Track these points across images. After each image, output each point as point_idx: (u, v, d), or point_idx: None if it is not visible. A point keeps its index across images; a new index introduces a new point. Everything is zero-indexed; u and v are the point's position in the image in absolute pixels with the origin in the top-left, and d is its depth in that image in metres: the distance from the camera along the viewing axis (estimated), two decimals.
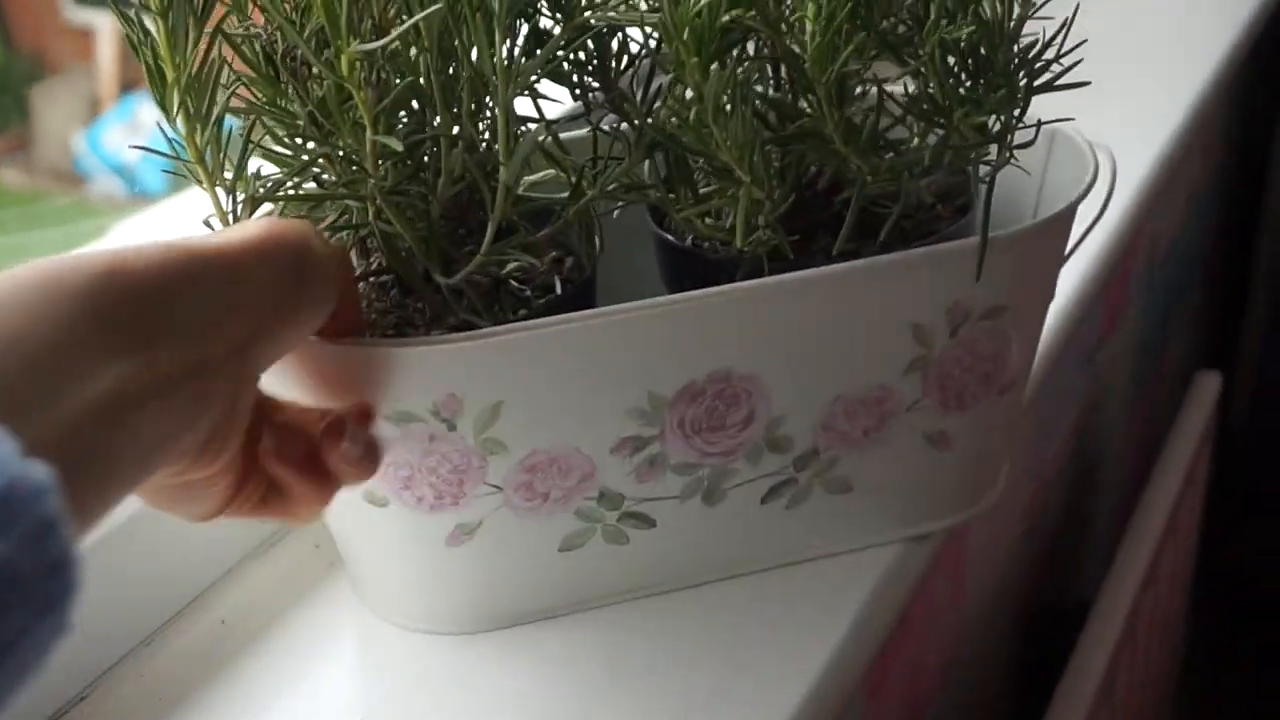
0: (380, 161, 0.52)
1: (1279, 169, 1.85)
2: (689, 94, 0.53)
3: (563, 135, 0.61)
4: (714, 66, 0.51)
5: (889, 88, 0.60)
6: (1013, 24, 0.54)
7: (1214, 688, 1.88)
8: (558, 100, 0.60)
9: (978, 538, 1.02)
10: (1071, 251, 0.67)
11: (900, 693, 0.91)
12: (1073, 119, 0.65)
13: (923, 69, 0.54)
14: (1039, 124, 0.57)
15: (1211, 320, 1.93)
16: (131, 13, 0.51)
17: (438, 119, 0.53)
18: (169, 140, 0.53)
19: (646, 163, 0.61)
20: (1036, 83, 0.55)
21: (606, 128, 0.61)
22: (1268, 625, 1.98)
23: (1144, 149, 1.09)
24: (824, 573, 0.67)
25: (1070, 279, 0.91)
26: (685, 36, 0.51)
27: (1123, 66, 1.27)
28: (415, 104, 0.53)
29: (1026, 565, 1.21)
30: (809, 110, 0.56)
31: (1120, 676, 1.10)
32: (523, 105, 0.58)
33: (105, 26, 3.66)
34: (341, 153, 0.52)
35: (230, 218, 0.54)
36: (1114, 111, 1.16)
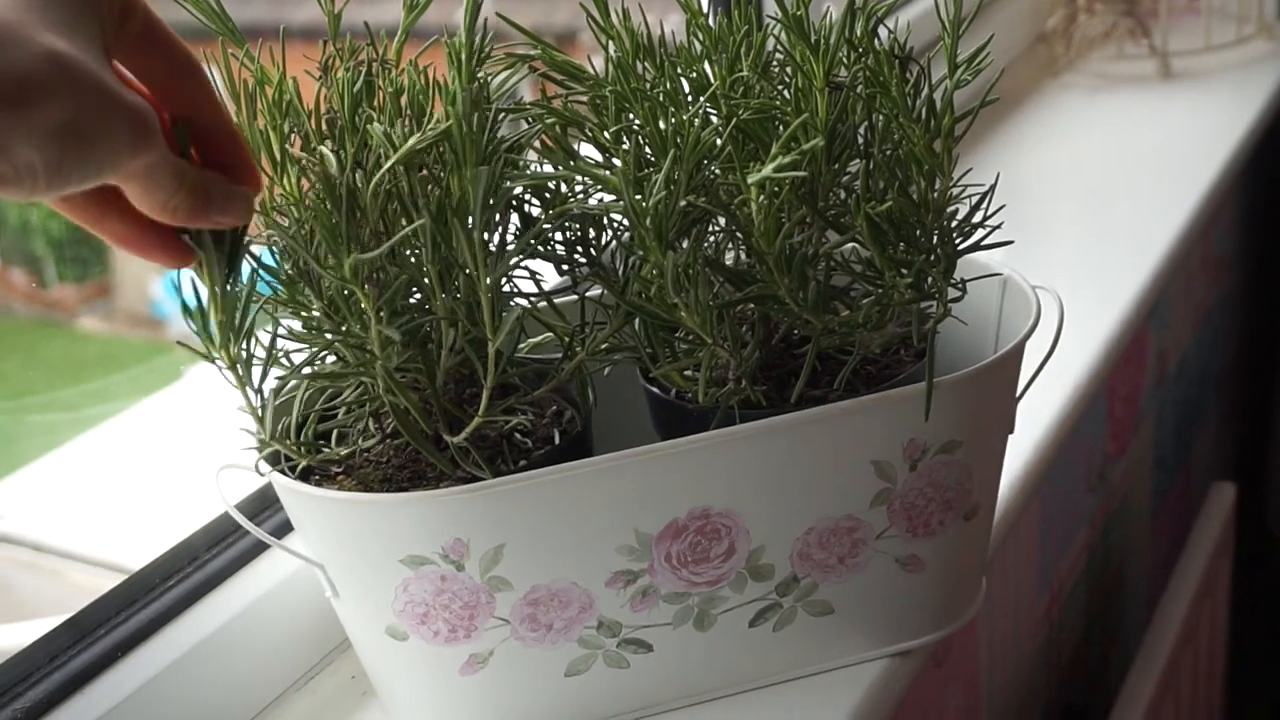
0: (384, 345, 0.60)
1: None
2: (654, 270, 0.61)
3: (558, 301, 0.69)
4: (676, 247, 0.59)
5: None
6: (935, 196, 0.61)
7: None
8: (542, 275, 0.67)
9: (989, 650, 1.07)
10: (1027, 387, 0.74)
11: None
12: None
13: (858, 236, 0.61)
14: (963, 281, 0.65)
15: (1238, 432, 1.97)
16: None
17: (438, 301, 0.61)
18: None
19: (637, 323, 0.69)
20: (962, 245, 0.62)
21: (594, 295, 0.69)
22: None
23: (1121, 281, 1.16)
24: (813, 689, 0.73)
25: (1053, 405, 0.97)
26: (647, 222, 0.59)
27: (1115, 205, 1.35)
28: (416, 289, 0.62)
29: (1047, 674, 1.25)
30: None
31: None
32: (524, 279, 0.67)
33: None
34: (352, 340, 0.61)
35: (260, 411, 0.63)
36: (1091, 249, 1.24)
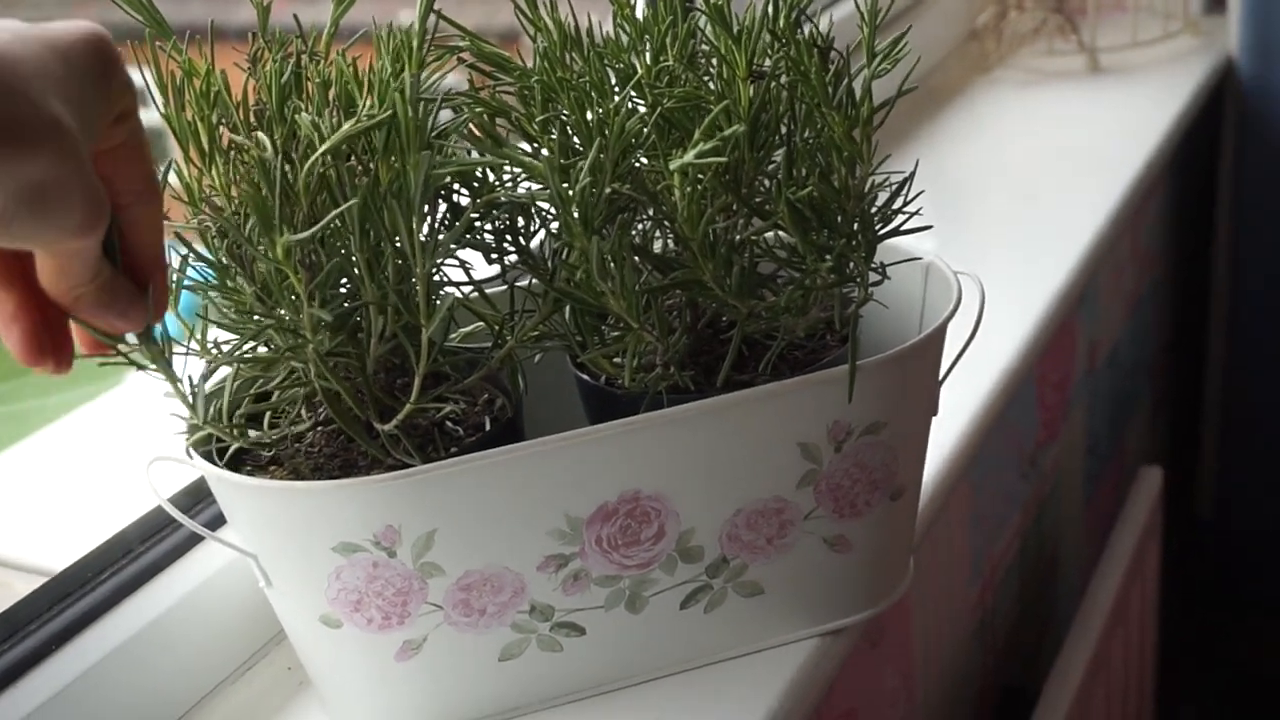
0: (317, 329, 0.61)
1: (1222, 269, 1.94)
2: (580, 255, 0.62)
3: (487, 290, 0.69)
4: (603, 233, 0.60)
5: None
6: (855, 183, 0.62)
7: None
8: (471, 265, 0.68)
9: (923, 632, 1.09)
10: (949, 371, 0.75)
11: None
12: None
13: (780, 222, 0.62)
14: (883, 265, 0.66)
15: (1169, 419, 2.01)
16: None
17: (367, 288, 0.62)
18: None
19: (566, 311, 0.69)
20: (882, 230, 0.64)
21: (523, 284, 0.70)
22: (1263, 711, 2.02)
23: (1048, 270, 1.18)
24: (746, 669, 0.74)
25: (979, 391, 0.99)
26: (573, 209, 0.60)
27: (1044, 197, 1.37)
28: (346, 279, 0.62)
29: (984, 657, 1.27)
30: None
31: None
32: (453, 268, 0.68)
33: None
34: (283, 323, 0.61)
35: (190, 396, 0.63)
36: (1020, 239, 1.26)
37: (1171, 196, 1.82)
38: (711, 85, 0.67)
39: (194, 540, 0.77)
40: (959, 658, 1.20)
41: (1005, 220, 1.33)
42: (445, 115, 0.64)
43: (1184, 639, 1.96)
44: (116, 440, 1.08)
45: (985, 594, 1.24)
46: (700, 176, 0.62)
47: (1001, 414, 1.02)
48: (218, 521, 0.75)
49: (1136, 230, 1.65)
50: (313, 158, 0.59)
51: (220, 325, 0.63)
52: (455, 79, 0.70)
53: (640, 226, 0.69)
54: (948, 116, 1.59)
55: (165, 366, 0.61)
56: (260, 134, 0.61)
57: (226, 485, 0.64)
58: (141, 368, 0.61)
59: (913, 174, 0.65)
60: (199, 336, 0.63)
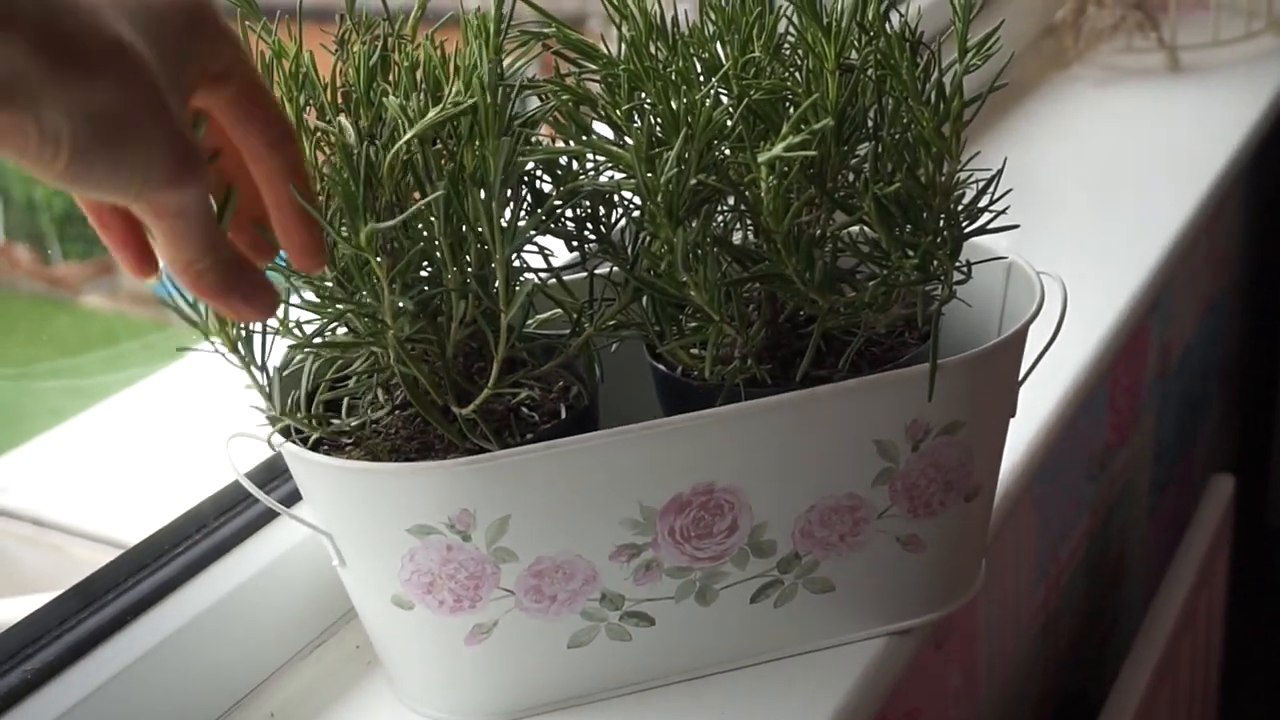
0: (397, 315, 0.61)
1: None
2: (664, 246, 0.62)
3: (566, 278, 0.69)
4: (686, 225, 0.60)
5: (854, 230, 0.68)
6: (943, 179, 0.62)
7: None
8: (552, 252, 0.68)
9: (988, 634, 1.08)
10: (1029, 371, 0.74)
11: None
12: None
13: (865, 217, 0.62)
14: (969, 263, 0.65)
15: (1242, 425, 1.98)
16: None
17: (449, 274, 0.62)
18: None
19: (645, 301, 0.69)
20: (968, 228, 0.63)
21: (603, 272, 0.70)
22: None
23: (1125, 271, 1.16)
24: (814, 665, 0.73)
25: (1054, 393, 0.98)
26: (658, 199, 0.60)
27: (1121, 198, 1.35)
28: (427, 262, 0.62)
29: (1047, 661, 1.26)
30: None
31: None
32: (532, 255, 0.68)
33: None
34: (364, 309, 0.61)
35: (268, 388, 0.63)
36: (1097, 239, 1.24)
37: (1249, 200, 1.79)
38: (797, 77, 0.67)
39: (267, 517, 0.77)
40: (1022, 661, 1.19)
41: (1080, 220, 1.31)
42: (534, 103, 0.64)
43: (1251, 647, 1.93)
44: (183, 414, 1.09)
45: (1050, 597, 1.23)
46: (786, 170, 0.61)
47: (1074, 418, 1.01)
48: (291, 499, 0.75)
49: (1213, 233, 1.62)
50: (398, 144, 0.59)
51: (301, 308, 0.64)
52: (539, 67, 0.70)
53: (721, 218, 0.69)
54: (1024, 113, 1.57)
55: (242, 357, 0.61)
56: (343, 119, 0.61)
57: (305, 464, 0.64)
58: (223, 355, 0.61)
59: (1000, 171, 0.64)
60: (280, 318, 0.63)
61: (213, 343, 0.61)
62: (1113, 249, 1.22)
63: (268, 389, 0.64)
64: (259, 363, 0.63)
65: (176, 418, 1.12)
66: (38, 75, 0.41)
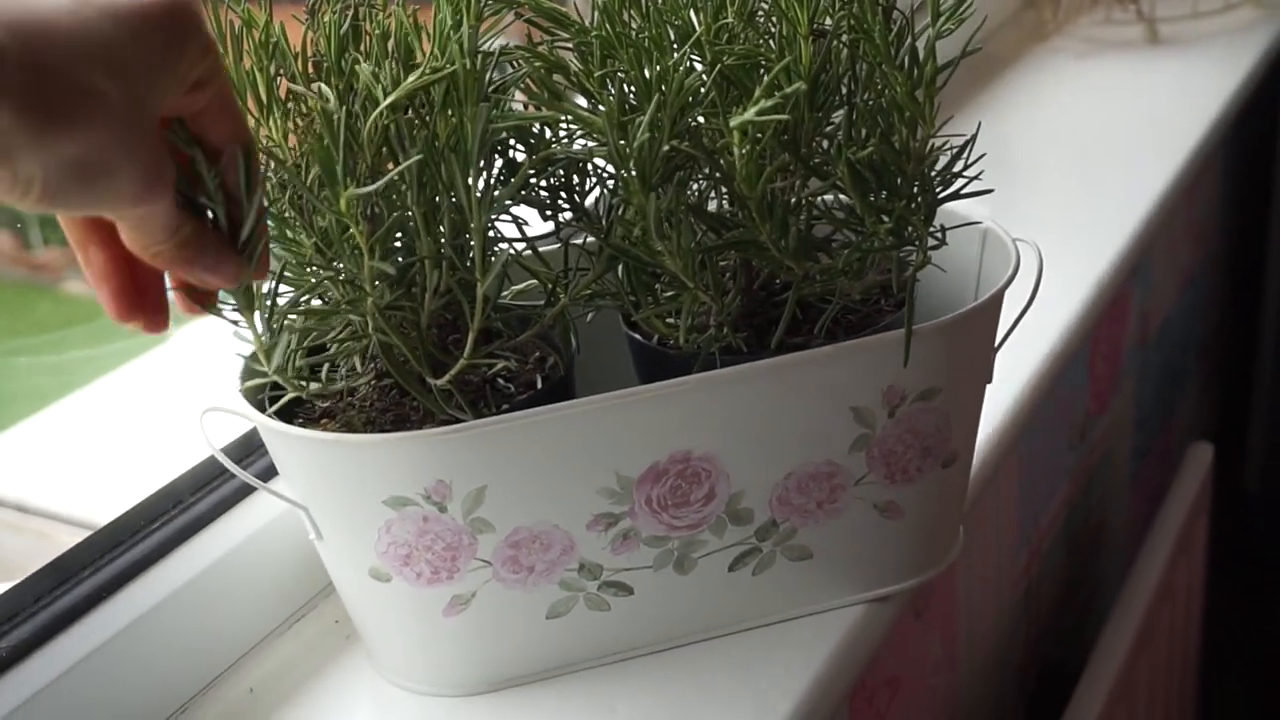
0: (376, 282, 0.61)
1: (1276, 247, 1.91)
2: (637, 213, 0.61)
3: (541, 248, 0.69)
4: (660, 191, 0.60)
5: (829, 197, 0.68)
6: (916, 145, 0.62)
7: None
8: (526, 221, 0.68)
9: (968, 602, 1.08)
10: (1005, 338, 0.74)
11: None
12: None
13: (839, 183, 0.62)
14: (943, 228, 0.65)
15: (1221, 395, 1.99)
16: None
17: (423, 242, 0.62)
18: None
19: (620, 270, 0.69)
20: (943, 193, 0.63)
21: (577, 241, 0.70)
22: None
23: (1104, 241, 1.16)
24: (793, 633, 0.73)
25: (1032, 360, 0.98)
26: (631, 166, 0.60)
27: (1101, 168, 1.35)
28: (402, 232, 0.62)
29: (1027, 629, 1.26)
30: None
31: None
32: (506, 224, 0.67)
33: None
34: (342, 276, 0.61)
35: (265, 338, 0.63)
36: (1076, 209, 1.24)
37: (1228, 170, 1.79)
38: (771, 44, 0.66)
39: (243, 493, 0.77)
40: (1002, 629, 1.19)
41: (1060, 189, 1.31)
42: (507, 72, 0.64)
43: (1230, 614, 1.95)
44: (166, 397, 1.09)
45: (1031, 565, 1.24)
46: (759, 135, 0.61)
47: (1053, 384, 1.01)
48: (267, 474, 0.75)
49: (1192, 204, 1.62)
50: (376, 110, 0.59)
51: (279, 278, 0.63)
52: (512, 35, 0.69)
53: (695, 186, 0.69)
54: (1003, 84, 1.57)
55: (251, 318, 0.61)
56: (323, 85, 0.61)
57: (280, 437, 0.64)
58: (233, 321, 0.61)
59: (974, 137, 0.64)
60: (273, 297, 0.63)
61: (224, 313, 0.61)
62: (1093, 217, 1.22)
63: (265, 342, 0.63)
64: (262, 312, 0.62)
65: (160, 401, 1.11)
66: (19, 137, 0.43)
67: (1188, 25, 1.71)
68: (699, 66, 0.65)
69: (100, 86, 0.46)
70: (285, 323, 0.66)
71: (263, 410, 0.66)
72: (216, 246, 0.53)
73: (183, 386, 1.07)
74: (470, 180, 0.59)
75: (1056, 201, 1.28)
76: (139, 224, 0.50)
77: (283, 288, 0.64)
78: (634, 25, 0.67)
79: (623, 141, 0.60)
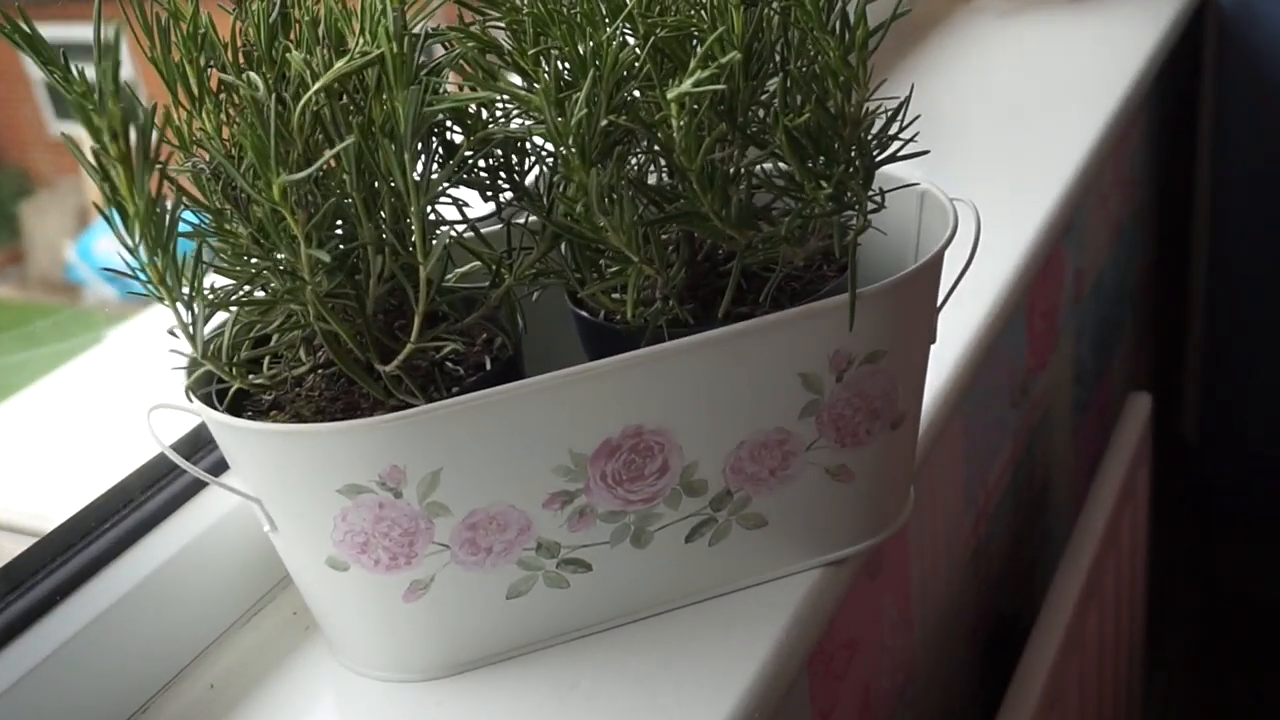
0: (315, 270, 0.60)
1: (1203, 196, 1.94)
2: (578, 189, 0.61)
3: (483, 229, 0.69)
4: (599, 166, 0.60)
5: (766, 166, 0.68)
6: (851, 109, 0.62)
7: (1207, 695, 1.95)
8: (467, 203, 0.68)
9: (920, 563, 1.10)
10: (947, 298, 0.75)
11: (856, 716, 0.98)
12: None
13: (777, 151, 0.62)
14: (882, 191, 0.66)
15: (1154, 345, 2.02)
16: (92, 158, 0.59)
17: (363, 228, 0.62)
18: (130, 265, 0.61)
19: (563, 248, 0.69)
20: (880, 157, 0.63)
21: (520, 221, 0.70)
22: (1252, 633, 2.04)
23: (1035, 198, 1.18)
24: (752, 600, 0.74)
25: (972, 320, 0.99)
26: (570, 142, 0.60)
27: (1028, 126, 1.37)
28: (342, 220, 0.62)
29: (978, 586, 1.28)
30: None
31: (1069, 687, 1.17)
32: (446, 206, 0.67)
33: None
34: (281, 265, 0.61)
35: (191, 328, 0.63)
36: (1005, 168, 1.26)
37: (1153, 122, 1.82)
38: (703, 15, 0.66)
39: (194, 489, 0.76)
40: (954, 588, 1.21)
41: (990, 149, 1.33)
42: (438, 54, 0.64)
43: (1172, 562, 1.98)
44: (104, 398, 1.08)
45: (979, 524, 1.25)
46: (696, 107, 0.61)
47: (994, 343, 1.02)
48: (217, 469, 0.74)
49: (1119, 157, 1.65)
50: (305, 96, 0.59)
51: (217, 270, 0.63)
52: (441, 17, 0.69)
53: (633, 160, 0.69)
54: (929, 46, 1.58)
55: (174, 305, 0.60)
56: (252, 74, 0.60)
57: (230, 430, 0.64)
58: (136, 277, 0.60)
59: (908, 99, 0.65)
60: (195, 281, 0.62)
61: (140, 280, 0.60)
62: (1023, 175, 1.23)
63: (191, 329, 0.63)
64: (185, 300, 0.61)
65: (97, 402, 1.10)
66: None
67: None
68: (631, 40, 0.65)
69: None
70: (218, 316, 0.66)
71: (211, 404, 0.66)
72: None
73: (120, 387, 1.06)
74: (406, 164, 0.59)
75: (986, 161, 1.30)
76: None
77: (222, 280, 0.64)
78: (565, 1, 0.67)
79: (560, 118, 0.60)
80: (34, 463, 1.10)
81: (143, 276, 0.61)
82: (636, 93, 0.65)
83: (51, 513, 0.79)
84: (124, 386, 1.00)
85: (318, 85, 0.58)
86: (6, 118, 3.94)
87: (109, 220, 0.60)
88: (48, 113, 3.88)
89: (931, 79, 1.49)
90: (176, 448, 0.74)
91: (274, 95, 0.59)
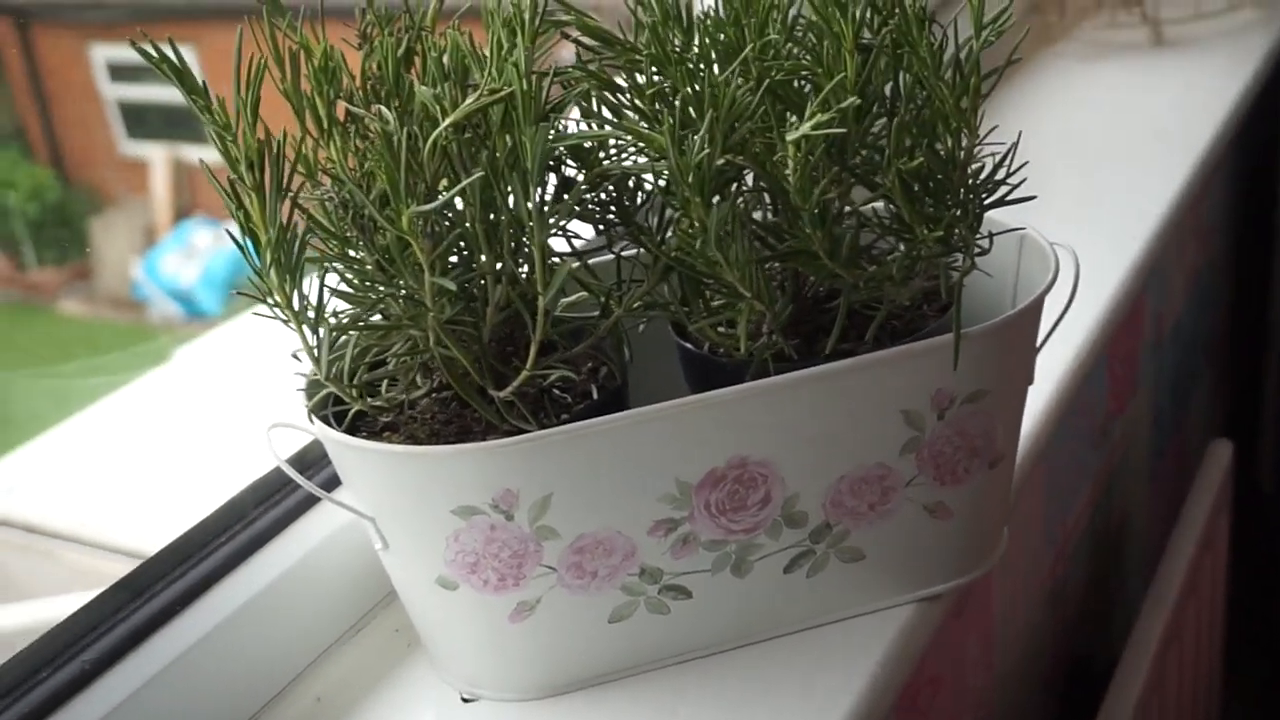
0: (436, 297, 0.63)
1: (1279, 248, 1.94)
2: (695, 225, 0.63)
3: (591, 261, 0.71)
4: (714, 202, 0.62)
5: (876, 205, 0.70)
6: (963, 154, 0.63)
7: None
8: (580, 236, 0.70)
9: (1002, 602, 1.10)
10: (1045, 339, 0.76)
11: None
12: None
13: (887, 192, 0.63)
14: (990, 235, 0.67)
15: (1232, 391, 2.01)
16: (230, 185, 0.62)
17: (484, 258, 0.64)
18: (259, 289, 0.63)
19: (671, 281, 0.71)
20: (988, 200, 0.65)
21: (629, 254, 0.71)
22: None
23: (1120, 244, 1.18)
24: (847, 633, 0.75)
25: (1059, 363, 1.00)
26: (689, 179, 0.62)
27: (1111, 171, 1.37)
28: (464, 246, 0.64)
29: (1054, 627, 1.28)
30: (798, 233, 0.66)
31: None
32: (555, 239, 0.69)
33: (158, 158, 3.84)
34: (404, 292, 0.63)
35: (316, 351, 0.65)
36: (1090, 212, 1.26)
37: (1233, 171, 1.81)
38: (812, 58, 0.68)
39: (303, 508, 0.78)
40: (1033, 628, 1.21)
41: (1072, 194, 1.33)
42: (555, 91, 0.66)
43: (1252, 609, 1.97)
44: (172, 417, 1.10)
45: (1058, 565, 1.25)
46: (811, 148, 0.63)
47: (1080, 386, 1.03)
48: (328, 486, 0.76)
49: (1198, 205, 1.64)
50: (436, 130, 0.61)
51: (339, 295, 0.65)
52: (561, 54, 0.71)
53: (741, 199, 0.70)
54: (1011, 89, 1.59)
55: (295, 314, 0.63)
56: (383, 108, 0.62)
57: (351, 450, 0.66)
58: (265, 300, 0.62)
59: (1015, 144, 0.66)
60: (320, 306, 0.64)
61: (269, 304, 0.62)
62: (1106, 223, 1.24)
63: (316, 352, 0.65)
64: (312, 322, 0.64)
65: (164, 421, 1.13)
66: None
67: (1191, 26, 1.74)
68: (744, 82, 0.67)
69: None
70: (340, 334, 0.68)
71: (327, 423, 0.68)
72: None
73: (191, 406, 1.08)
74: (531, 197, 0.61)
75: (1068, 208, 1.30)
76: None
77: (344, 305, 0.66)
78: (677, 44, 0.69)
79: (682, 156, 0.61)
80: (99, 477, 1.13)
81: (271, 300, 0.64)
82: (748, 134, 0.67)
83: (111, 528, 0.82)
84: (187, 405, 1.02)
85: (449, 120, 0.60)
86: (79, 137, 4.03)
87: (241, 247, 0.63)
88: (118, 132, 3.97)
89: (1014, 122, 1.50)
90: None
91: (405, 127, 0.61)
